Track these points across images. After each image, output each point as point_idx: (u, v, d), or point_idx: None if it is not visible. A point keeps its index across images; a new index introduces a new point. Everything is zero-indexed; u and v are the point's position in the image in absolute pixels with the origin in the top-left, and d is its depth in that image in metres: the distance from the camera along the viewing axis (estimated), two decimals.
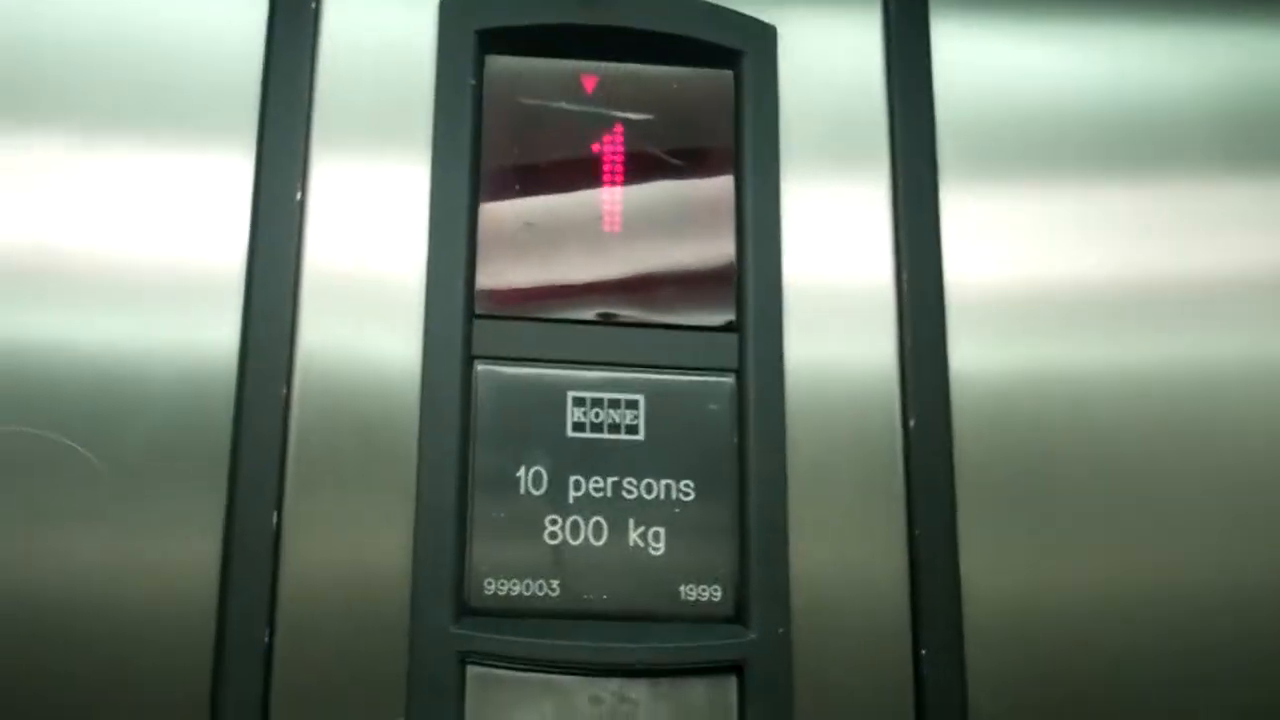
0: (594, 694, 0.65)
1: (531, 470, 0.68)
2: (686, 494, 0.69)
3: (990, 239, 0.75)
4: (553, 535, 0.67)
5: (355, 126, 0.71)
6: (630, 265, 0.71)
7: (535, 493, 0.67)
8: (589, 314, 0.70)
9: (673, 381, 0.70)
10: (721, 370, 0.70)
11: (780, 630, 0.67)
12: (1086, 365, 0.73)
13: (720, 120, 0.74)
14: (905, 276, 0.72)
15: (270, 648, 0.64)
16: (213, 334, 0.67)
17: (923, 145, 0.75)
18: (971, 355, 0.72)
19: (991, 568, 0.70)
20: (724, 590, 0.68)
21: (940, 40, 0.77)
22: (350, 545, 0.66)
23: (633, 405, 0.69)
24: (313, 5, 0.72)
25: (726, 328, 0.71)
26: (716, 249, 0.72)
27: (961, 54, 0.78)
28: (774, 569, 0.68)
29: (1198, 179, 0.78)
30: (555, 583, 0.67)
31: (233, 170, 0.70)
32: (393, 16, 0.73)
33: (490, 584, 0.66)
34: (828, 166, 0.75)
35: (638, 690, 0.65)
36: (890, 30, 0.77)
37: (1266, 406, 0.74)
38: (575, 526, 0.67)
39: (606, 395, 0.69)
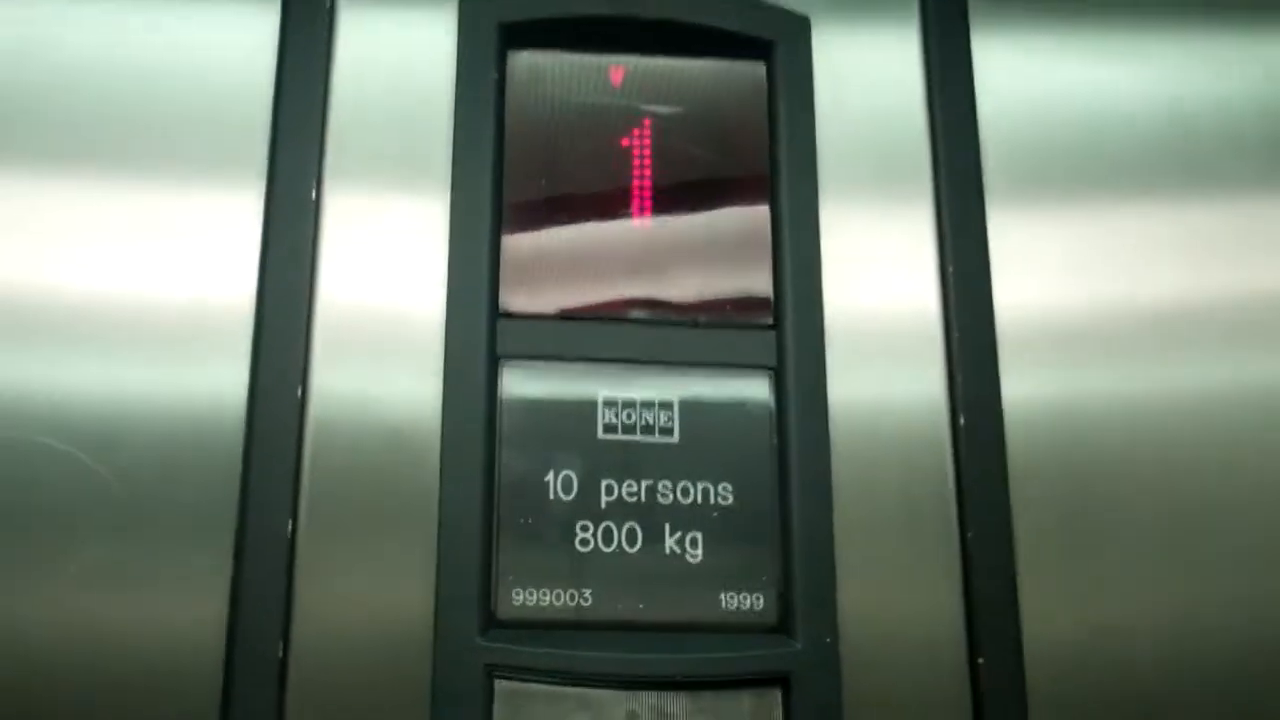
0: (630, 709, 0.61)
1: (561, 475, 0.64)
2: (725, 497, 0.65)
3: (1040, 264, 0.71)
4: (584, 542, 0.64)
5: (370, 151, 0.68)
6: (661, 261, 0.68)
7: (565, 498, 0.64)
8: (619, 312, 0.67)
9: (708, 380, 0.66)
10: (759, 367, 0.67)
11: (828, 640, 0.63)
12: (1144, 396, 0.69)
13: (753, 112, 0.71)
14: (953, 303, 0.69)
15: (284, 664, 0.60)
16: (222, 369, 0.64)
17: (967, 164, 0.72)
18: (1024, 387, 0.69)
19: (1050, 590, 0.66)
20: (766, 598, 0.64)
21: (982, 53, 0.74)
22: (370, 558, 0.62)
23: (666, 406, 0.66)
24: (325, 32, 0.69)
25: (764, 324, 0.68)
26: (751, 243, 0.69)
27: (1005, 67, 0.75)
28: (819, 575, 0.64)
29: (1257, 198, 0.75)
30: (587, 592, 0.63)
31: (241, 199, 0.67)
32: (410, 33, 0.71)
33: (519, 594, 0.63)
34: (866, 187, 0.71)
35: (677, 704, 0.61)
36: (929, 42, 0.74)
37: None
38: (608, 533, 0.64)
39: (639, 396, 0.66)
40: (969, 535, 0.65)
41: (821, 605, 0.64)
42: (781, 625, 0.64)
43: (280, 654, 0.60)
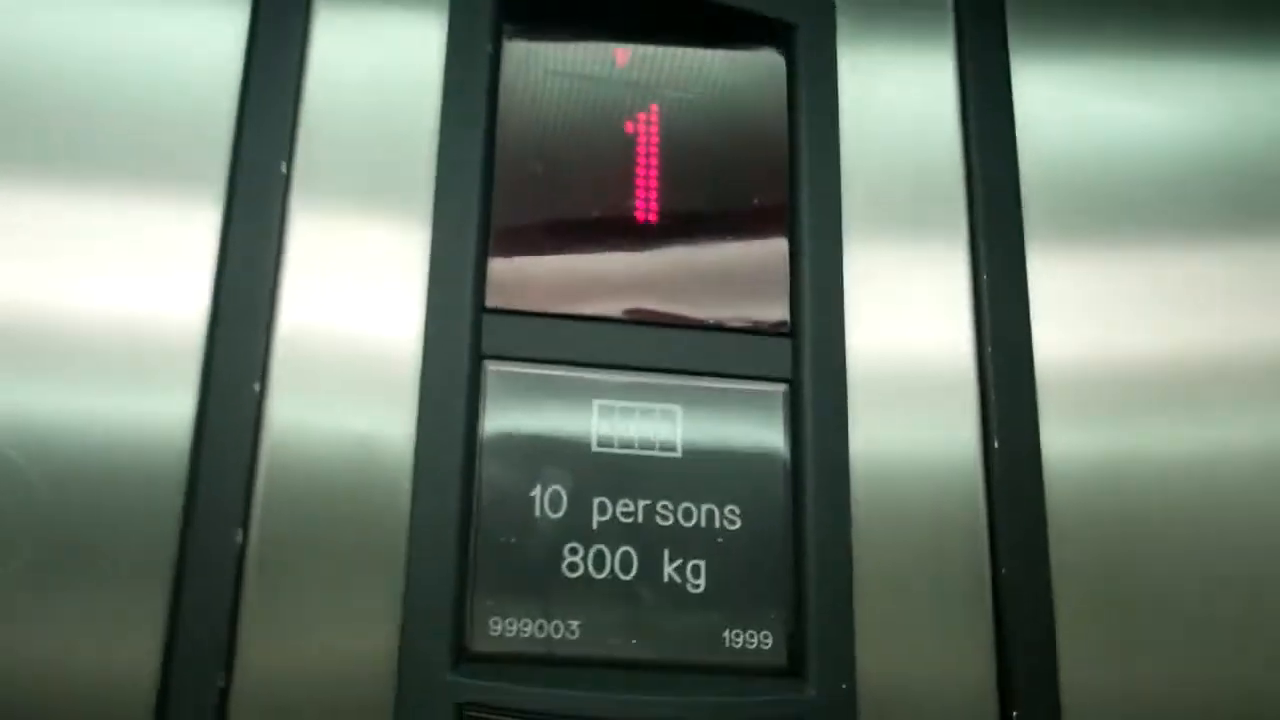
0: None
1: (549, 490, 0.57)
2: (732, 521, 0.58)
3: (1082, 307, 0.65)
4: (573, 567, 0.56)
5: (347, 139, 0.61)
6: (667, 258, 0.61)
7: (553, 516, 0.57)
8: (619, 311, 0.60)
9: (716, 390, 0.60)
10: (773, 379, 0.60)
11: (844, 686, 0.56)
12: (1192, 450, 0.64)
13: (770, 98, 0.64)
14: (988, 344, 0.62)
15: (225, 696, 0.53)
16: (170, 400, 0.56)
17: (1005, 193, 0.66)
18: (1064, 440, 0.62)
19: (1088, 649, 0.60)
20: (776, 637, 0.57)
21: (1022, 84, 0.68)
22: (328, 579, 0.55)
23: (669, 416, 0.59)
24: (300, 32, 0.62)
25: (779, 330, 0.61)
26: (766, 241, 0.62)
27: (1045, 97, 0.69)
28: (836, 612, 0.57)
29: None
30: (574, 624, 0.56)
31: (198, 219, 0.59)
32: (392, 32, 0.63)
33: (496, 624, 0.55)
34: (894, 211, 0.65)
35: None
36: (964, 64, 0.68)
37: None
38: (600, 557, 0.57)
39: (638, 404, 0.59)
40: (1003, 590, 0.59)
41: (838, 646, 0.57)
42: (792, 668, 0.56)
43: (222, 684, 0.53)
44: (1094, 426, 0.63)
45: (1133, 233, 0.67)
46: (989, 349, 0.63)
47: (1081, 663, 0.59)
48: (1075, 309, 0.65)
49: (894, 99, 0.67)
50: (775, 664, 0.57)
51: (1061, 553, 0.61)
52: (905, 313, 0.63)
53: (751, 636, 0.57)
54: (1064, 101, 0.69)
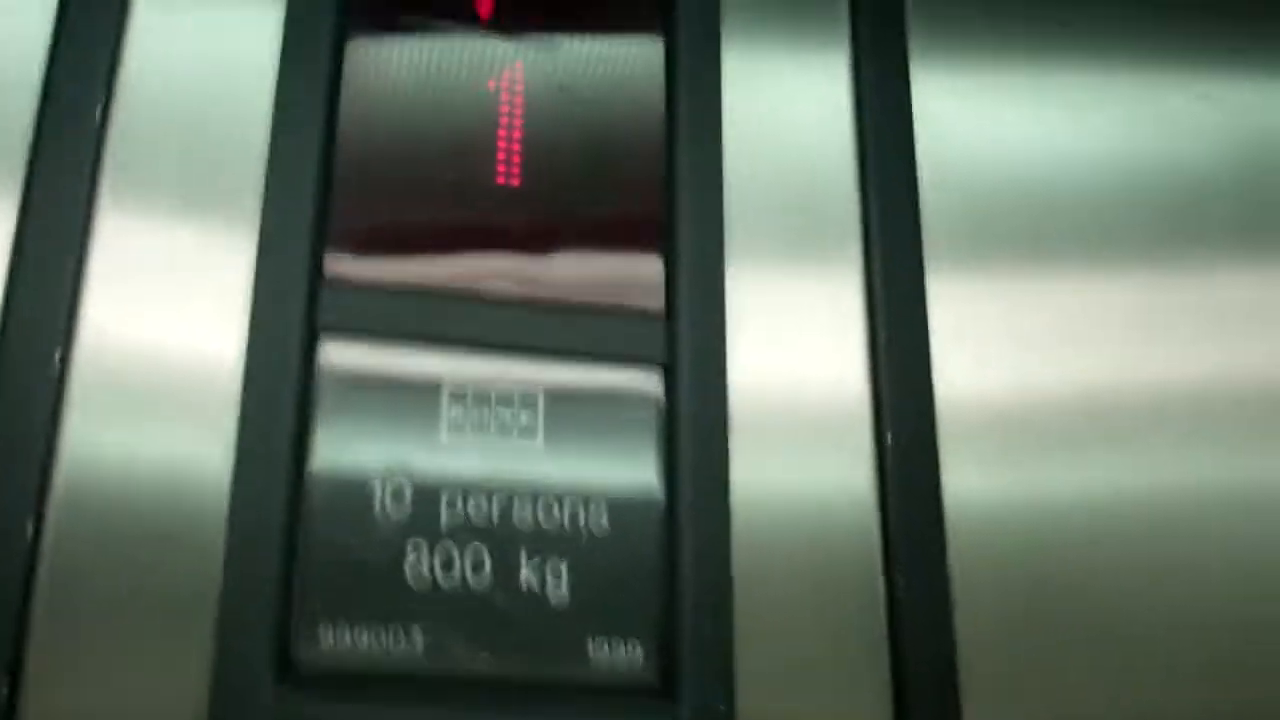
0: None
1: (391, 483, 0.50)
2: (598, 520, 0.52)
3: (985, 338, 0.60)
4: (416, 571, 0.50)
5: (166, 106, 0.54)
6: (531, 228, 0.55)
7: (395, 514, 0.50)
8: (476, 285, 0.54)
9: (582, 374, 0.53)
10: (646, 362, 0.54)
11: (721, 708, 0.50)
12: (1101, 491, 0.59)
13: (650, 66, 0.59)
14: (884, 375, 0.57)
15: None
16: None
17: (904, 211, 0.60)
18: (965, 481, 0.57)
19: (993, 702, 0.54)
20: (646, 651, 0.50)
21: (923, 94, 0.63)
22: (126, 574, 0.47)
23: (528, 403, 0.52)
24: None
25: (654, 311, 0.55)
26: (641, 213, 0.56)
27: (947, 110, 0.63)
28: (713, 625, 0.51)
29: (1228, 268, 0.65)
30: (417, 635, 0.49)
31: None
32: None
33: (327, 635, 0.48)
34: (778, 225, 0.59)
35: None
36: (861, 81, 0.62)
37: None
38: (448, 560, 0.50)
39: (494, 389, 0.52)
40: (901, 622, 0.53)
41: (714, 662, 0.50)
42: (663, 686, 0.50)
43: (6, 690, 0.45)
44: (997, 462, 0.58)
45: (1045, 258, 0.62)
46: (884, 375, 0.57)
47: (983, 700, 0.54)
48: (978, 338, 0.60)
49: (781, 101, 0.61)
50: (644, 681, 0.50)
51: (963, 586, 0.55)
52: (789, 329, 0.57)
53: (619, 650, 0.50)
54: (970, 114, 0.64)
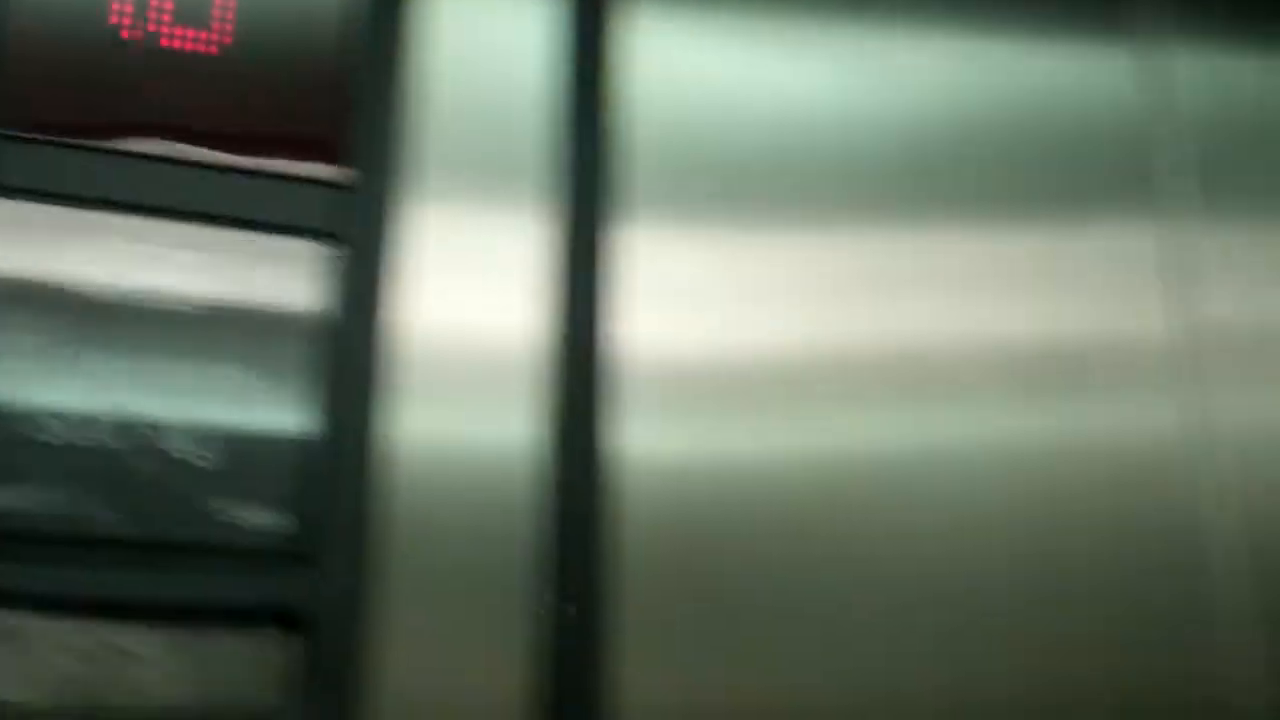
0: (77, 644, 0.46)
1: (25, 338, 0.49)
2: (256, 387, 0.51)
3: (670, 290, 0.58)
4: (56, 430, 0.49)
5: None
6: (212, 86, 0.54)
7: (26, 368, 0.49)
8: (127, 143, 0.52)
9: (246, 240, 0.53)
10: (317, 233, 0.53)
11: (355, 577, 0.49)
12: (780, 452, 0.57)
13: None
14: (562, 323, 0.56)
15: None
16: None
17: (593, 156, 0.58)
18: (636, 431, 0.55)
19: (645, 661, 0.53)
20: (288, 520, 0.50)
21: (633, 33, 0.61)
22: None
23: (186, 266, 0.52)
24: None
25: (330, 180, 0.54)
26: (317, 77, 0.55)
27: (652, 48, 0.61)
28: (354, 494, 0.50)
29: (921, 229, 0.62)
30: (57, 493, 0.48)
31: None
32: None
33: None
34: (462, 159, 0.57)
35: (141, 641, 0.47)
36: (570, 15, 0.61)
37: (987, 493, 0.59)
38: (90, 420, 0.49)
39: (150, 249, 0.51)
40: (560, 581, 0.52)
41: (353, 535, 0.50)
42: (301, 553, 0.50)
43: None
44: (676, 420, 0.56)
45: (747, 213, 0.60)
46: (563, 327, 0.56)
47: (640, 663, 0.53)
48: (668, 293, 0.58)
49: (486, 30, 0.59)
50: (284, 548, 0.50)
51: (625, 544, 0.54)
52: (470, 270, 0.56)
53: (260, 517, 0.50)
54: (677, 57, 0.61)
